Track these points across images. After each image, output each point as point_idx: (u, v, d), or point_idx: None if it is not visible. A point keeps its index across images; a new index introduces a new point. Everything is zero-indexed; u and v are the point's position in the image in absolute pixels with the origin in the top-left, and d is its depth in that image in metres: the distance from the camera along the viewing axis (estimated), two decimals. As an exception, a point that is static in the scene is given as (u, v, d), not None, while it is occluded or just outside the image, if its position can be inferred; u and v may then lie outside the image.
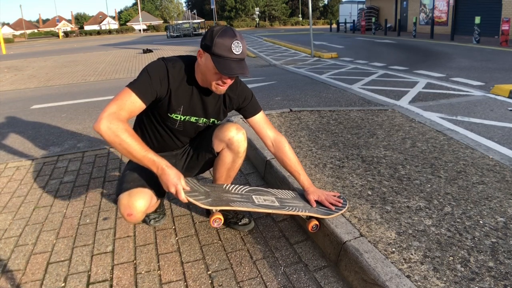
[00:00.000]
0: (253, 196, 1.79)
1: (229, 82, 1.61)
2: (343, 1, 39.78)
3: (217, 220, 1.68)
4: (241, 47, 1.55)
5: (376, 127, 3.38)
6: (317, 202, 1.87)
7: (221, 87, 1.62)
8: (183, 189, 1.52)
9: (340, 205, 1.87)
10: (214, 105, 1.78)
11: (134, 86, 1.56)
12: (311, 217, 1.79)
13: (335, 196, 1.93)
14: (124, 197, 1.59)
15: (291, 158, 1.89)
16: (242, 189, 1.85)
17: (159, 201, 1.93)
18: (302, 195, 1.94)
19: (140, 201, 1.59)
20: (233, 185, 1.87)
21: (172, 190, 1.51)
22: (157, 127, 1.78)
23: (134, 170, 1.73)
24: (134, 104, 1.54)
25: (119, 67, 10.36)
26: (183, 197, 1.51)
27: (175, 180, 1.51)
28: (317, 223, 1.79)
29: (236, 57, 1.53)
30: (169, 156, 1.90)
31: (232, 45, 1.52)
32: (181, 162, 1.94)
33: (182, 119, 1.75)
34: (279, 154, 1.89)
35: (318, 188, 1.93)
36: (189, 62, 1.68)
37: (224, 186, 1.85)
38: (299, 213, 1.76)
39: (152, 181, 1.70)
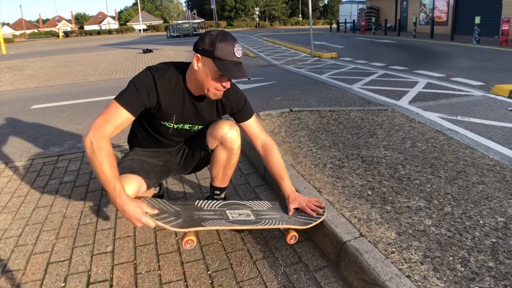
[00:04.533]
0: (227, 211, 1.73)
1: (228, 86, 1.61)
2: (343, 1, 39.80)
3: (190, 242, 1.61)
4: (241, 50, 1.58)
5: (376, 127, 3.38)
6: (298, 210, 1.81)
7: (219, 92, 1.61)
8: (149, 214, 1.51)
9: (321, 211, 1.81)
10: (208, 112, 1.78)
11: (121, 98, 1.57)
12: (289, 228, 1.74)
13: (317, 201, 1.86)
14: None
15: (277, 161, 1.86)
16: (216, 204, 1.78)
17: (151, 190, 1.93)
18: (281, 204, 1.88)
19: (128, 186, 1.59)
20: (206, 201, 1.78)
21: (139, 225, 1.49)
22: (151, 131, 1.80)
23: (128, 160, 1.77)
24: (121, 116, 1.55)
25: (119, 67, 10.36)
26: (151, 224, 1.49)
27: (137, 214, 1.47)
28: (295, 234, 1.73)
29: (237, 61, 1.55)
30: (164, 152, 1.91)
31: (235, 48, 1.54)
32: (176, 159, 1.95)
33: (175, 127, 1.77)
34: (267, 156, 1.87)
35: (300, 194, 1.88)
36: (179, 70, 1.67)
37: (196, 203, 1.75)
38: (276, 226, 1.70)
39: (143, 169, 1.73)
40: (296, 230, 1.74)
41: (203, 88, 1.62)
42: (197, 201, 1.78)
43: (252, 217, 1.72)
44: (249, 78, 1.56)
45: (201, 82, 1.61)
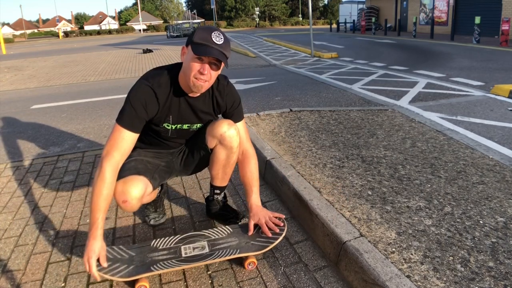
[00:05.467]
0: (182, 247, 1.69)
1: (207, 73, 1.57)
2: (343, 1, 39.80)
3: (142, 287, 1.57)
4: (222, 38, 1.56)
5: (376, 127, 3.38)
6: (259, 229, 1.78)
7: (200, 81, 1.58)
8: (101, 265, 1.50)
9: (278, 230, 1.75)
10: (204, 110, 1.78)
11: (121, 121, 1.61)
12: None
13: (277, 218, 1.81)
14: (119, 185, 1.61)
15: (252, 172, 1.85)
16: (172, 241, 1.74)
17: (156, 191, 1.93)
18: (241, 227, 1.85)
19: (135, 188, 1.60)
20: (163, 239, 1.75)
21: (85, 260, 1.47)
22: (152, 134, 1.81)
23: (131, 160, 1.76)
24: (126, 139, 1.60)
25: (119, 67, 10.36)
26: (95, 275, 1.46)
27: (92, 254, 1.47)
28: (253, 260, 1.69)
29: (216, 46, 1.53)
30: (166, 153, 1.92)
31: (213, 34, 1.54)
32: (178, 160, 1.95)
33: (173, 128, 1.77)
34: (243, 163, 1.86)
35: (263, 209, 1.84)
36: (171, 72, 1.67)
37: (152, 243, 1.72)
38: (230, 257, 1.64)
39: (148, 170, 1.73)
40: (255, 255, 1.70)
41: (187, 80, 1.60)
42: (154, 240, 1.75)
43: (207, 250, 1.68)
44: (225, 63, 1.56)
45: (185, 72, 1.60)
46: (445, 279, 1.42)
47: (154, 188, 1.76)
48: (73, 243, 1.93)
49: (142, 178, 1.67)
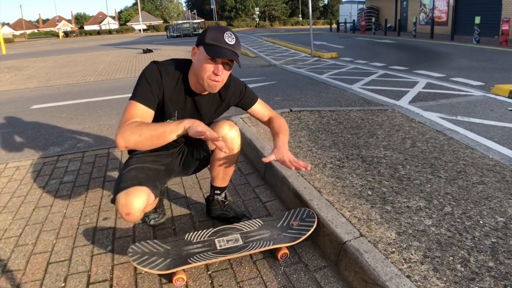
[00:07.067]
0: (216, 240, 1.73)
1: (221, 74, 1.58)
2: (343, 1, 39.80)
3: (180, 279, 1.59)
4: (234, 38, 1.57)
5: (376, 127, 3.38)
6: (288, 224, 1.79)
7: (214, 82, 1.58)
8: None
9: (303, 168, 1.64)
10: (209, 110, 1.78)
11: (136, 96, 1.58)
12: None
13: (304, 167, 1.66)
14: (121, 196, 1.57)
15: (281, 125, 1.84)
16: (205, 234, 1.77)
17: (157, 199, 1.93)
18: (272, 220, 1.87)
19: (138, 199, 1.57)
20: (196, 233, 1.78)
21: (204, 129, 1.45)
22: None
23: (131, 169, 1.73)
24: (142, 113, 1.56)
25: (119, 67, 10.36)
26: (214, 135, 1.45)
27: (203, 126, 1.47)
28: (286, 252, 1.72)
29: (228, 46, 1.55)
30: (165, 154, 1.91)
31: (225, 34, 1.55)
32: (177, 161, 1.94)
33: None
34: (273, 123, 1.87)
35: (289, 151, 1.74)
36: (182, 67, 1.67)
37: (186, 237, 1.75)
38: (265, 249, 1.68)
39: (149, 179, 1.71)
40: (287, 247, 1.73)
41: (200, 80, 1.60)
42: (187, 234, 1.77)
43: (240, 242, 1.71)
44: (238, 62, 1.57)
45: (197, 73, 1.60)
46: (445, 279, 1.42)
47: (156, 197, 1.73)
48: (73, 243, 1.93)
49: (145, 189, 1.62)
